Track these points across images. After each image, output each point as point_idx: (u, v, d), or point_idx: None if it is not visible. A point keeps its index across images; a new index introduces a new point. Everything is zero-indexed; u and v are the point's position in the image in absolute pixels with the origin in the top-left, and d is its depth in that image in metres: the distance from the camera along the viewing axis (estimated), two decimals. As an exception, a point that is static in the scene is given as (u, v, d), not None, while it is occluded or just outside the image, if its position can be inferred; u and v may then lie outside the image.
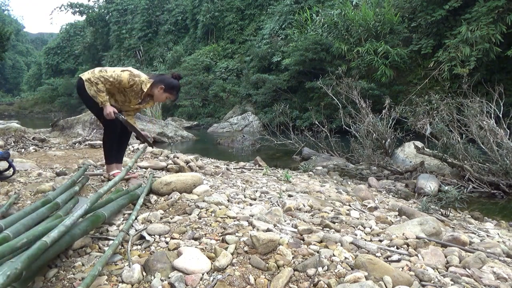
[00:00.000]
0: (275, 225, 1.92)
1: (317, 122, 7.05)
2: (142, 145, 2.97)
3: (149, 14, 26.42)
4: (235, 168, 4.43)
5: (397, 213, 2.78)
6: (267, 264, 1.44)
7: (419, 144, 5.04)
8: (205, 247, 1.57)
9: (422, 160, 4.79)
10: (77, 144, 5.65)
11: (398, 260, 1.61)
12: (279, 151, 7.15)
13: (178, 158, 3.81)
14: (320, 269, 1.43)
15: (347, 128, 6.31)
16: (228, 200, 2.37)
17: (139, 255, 1.53)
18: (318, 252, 1.58)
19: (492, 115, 4.65)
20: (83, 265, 1.45)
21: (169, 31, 25.35)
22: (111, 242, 1.61)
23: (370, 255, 1.51)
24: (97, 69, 2.68)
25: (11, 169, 2.73)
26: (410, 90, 10.62)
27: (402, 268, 1.53)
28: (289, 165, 5.59)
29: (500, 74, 9.28)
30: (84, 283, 1.17)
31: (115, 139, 2.88)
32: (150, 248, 1.60)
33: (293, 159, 6.48)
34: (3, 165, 2.78)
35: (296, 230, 1.88)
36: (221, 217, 1.94)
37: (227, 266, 1.41)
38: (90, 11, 32.60)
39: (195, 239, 1.67)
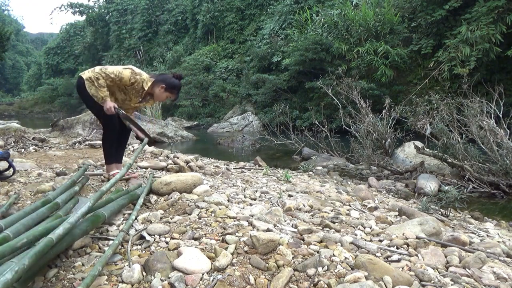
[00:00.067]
0: (275, 225, 1.92)
1: (317, 122, 7.05)
2: (144, 141, 2.97)
3: (149, 14, 26.43)
4: (235, 168, 4.43)
5: (397, 213, 2.78)
6: (267, 264, 1.44)
7: (419, 144, 5.04)
8: (205, 247, 1.57)
9: (422, 160, 4.79)
10: (77, 144, 5.65)
11: (398, 260, 1.61)
12: (279, 151, 7.15)
13: (178, 158, 3.82)
14: (320, 269, 1.43)
15: (347, 128, 6.31)
16: (228, 200, 2.37)
17: (139, 255, 1.53)
18: (318, 252, 1.58)
19: (492, 115, 4.65)
20: (83, 265, 1.45)
21: (169, 31, 25.35)
22: (111, 242, 1.61)
23: (370, 255, 1.51)
24: (97, 67, 2.68)
25: (11, 169, 2.73)
26: (410, 90, 10.62)
27: (402, 268, 1.53)
28: (289, 165, 5.59)
29: (500, 74, 9.28)
30: (84, 283, 1.17)
31: (115, 139, 2.88)
32: (150, 248, 1.60)
33: (293, 159, 6.48)
34: (3, 165, 2.78)
35: (296, 230, 1.88)
36: (221, 217, 1.94)
37: (227, 266, 1.41)
38: (90, 11, 32.61)
39: (195, 239, 1.67)
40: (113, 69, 2.63)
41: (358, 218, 2.37)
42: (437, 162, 4.91)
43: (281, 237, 1.66)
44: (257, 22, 19.42)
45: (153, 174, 2.84)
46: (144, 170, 3.37)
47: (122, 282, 1.32)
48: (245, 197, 2.54)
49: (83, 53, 34.10)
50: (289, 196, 2.78)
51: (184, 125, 13.97)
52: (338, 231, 1.97)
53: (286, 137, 7.35)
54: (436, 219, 2.39)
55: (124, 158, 3.26)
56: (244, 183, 3.16)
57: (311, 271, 1.40)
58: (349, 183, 4.46)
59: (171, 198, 2.27)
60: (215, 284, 1.30)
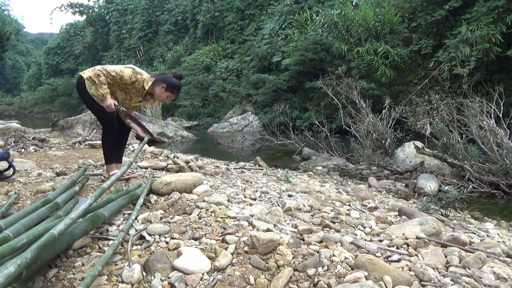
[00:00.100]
0: (275, 225, 1.92)
1: (317, 122, 7.05)
2: (145, 139, 2.96)
3: (149, 14, 26.43)
4: (235, 168, 4.43)
5: (397, 213, 2.78)
6: (267, 264, 1.44)
7: (419, 144, 5.04)
8: (205, 247, 1.57)
9: (422, 160, 4.79)
10: (77, 144, 5.65)
11: (398, 260, 1.61)
12: (279, 151, 7.15)
13: (178, 158, 3.82)
14: (320, 269, 1.43)
15: (347, 128, 6.31)
16: (228, 200, 2.37)
17: (139, 255, 1.53)
18: (318, 252, 1.58)
19: (492, 115, 4.65)
20: (83, 265, 1.45)
21: (169, 31, 25.36)
22: (111, 242, 1.61)
23: (370, 255, 1.51)
24: (98, 66, 2.68)
25: (11, 169, 2.73)
26: (410, 90, 10.63)
27: (402, 268, 1.53)
28: (289, 165, 5.59)
29: (500, 74, 9.28)
30: (84, 283, 1.18)
31: (114, 139, 2.88)
32: (150, 248, 1.60)
33: (293, 159, 6.48)
34: (3, 165, 2.78)
35: (296, 230, 1.88)
36: (221, 217, 1.94)
37: (227, 266, 1.41)
38: (90, 11, 32.62)
39: (195, 239, 1.67)
40: (114, 68, 2.64)
41: (358, 218, 2.37)
42: (437, 162, 4.92)
43: (281, 237, 1.66)
44: (257, 22, 19.42)
45: (153, 174, 2.84)
46: (144, 170, 3.37)
47: (122, 282, 1.32)
48: (245, 197, 2.54)
49: (83, 53, 34.10)
50: (289, 196, 2.78)
51: (184, 125, 13.98)
52: (338, 231, 1.97)
53: (286, 137, 7.35)
54: (436, 219, 2.39)
55: (124, 158, 3.26)
56: (244, 183, 3.16)
57: (311, 271, 1.40)
58: (349, 183, 4.46)
59: (171, 198, 2.27)
60: (215, 284, 1.30)
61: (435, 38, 10.65)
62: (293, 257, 1.52)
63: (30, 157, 4.09)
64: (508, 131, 4.44)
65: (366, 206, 2.89)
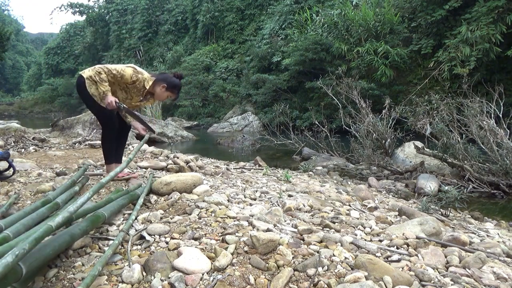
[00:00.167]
0: (275, 225, 1.92)
1: (317, 122, 7.05)
2: (146, 136, 2.96)
3: (149, 14, 26.44)
4: (235, 168, 4.43)
5: (397, 213, 2.78)
6: (267, 264, 1.44)
7: (419, 144, 5.04)
8: (205, 247, 1.57)
9: (422, 160, 4.79)
10: (77, 144, 5.65)
11: (398, 260, 1.61)
12: (279, 151, 7.15)
13: (178, 158, 3.81)
14: (320, 269, 1.43)
15: (347, 128, 6.31)
16: (228, 200, 2.37)
17: (139, 255, 1.53)
18: (318, 252, 1.58)
19: (492, 115, 4.65)
20: (83, 265, 1.45)
21: (169, 31, 25.36)
22: (111, 242, 1.61)
23: (370, 255, 1.51)
24: (98, 65, 2.68)
25: (11, 169, 2.73)
26: (410, 90, 10.63)
27: (402, 268, 1.53)
28: (289, 165, 5.59)
29: (500, 74, 9.28)
30: (84, 283, 1.18)
31: (114, 138, 2.88)
32: (150, 248, 1.60)
33: (293, 159, 6.48)
34: (3, 165, 2.78)
35: (296, 230, 1.88)
36: (221, 217, 1.94)
37: (227, 266, 1.41)
38: (90, 11, 32.63)
39: (195, 239, 1.67)
40: (115, 66, 2.64)
41: (358, 218, 2.37)
42: (437, 162, 4.92)
43: (281, 237, 1.66)
44: (257, 22, 19.43)
45: (153, 174, 2.83)
46: (144, 170, 3.37)
47: (122, 282, 1.32)
48: (245, 197, 2.54)
49: (83, 53, 34.11)
50: (289, 196, 2.78)
51: (184, 125, 13.98)
52: (338, 231, 1.97)
53: (286, 137, 7.35)
54: (436, 219, 2.39)
55: (124, 158, 3.25)
56: (244, 183, 3.16)
57: (311, 271, 1.40)
58: (349, 183, 4.46)
59: (171, 198, 2.27)
60: (215, 284, 1.30)
61: (435, 38, 10.65)
62: (293, 257, 1.52)
63: (30, 157, 4.09)
64: (508, 131, 4.45)
65: (366, 206, 2.89)
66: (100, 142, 3.67)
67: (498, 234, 2.62)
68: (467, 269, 1.60)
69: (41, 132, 7.13)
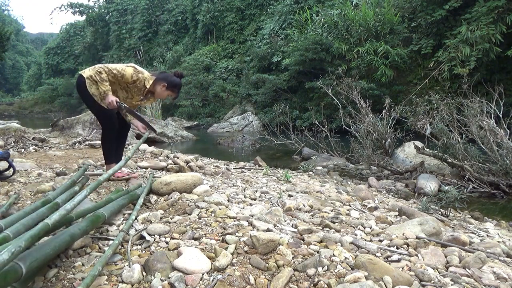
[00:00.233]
0: (275, 225, 1.92)
1: (317, 122, 7.05)
2: (146, 134, 2.96)
3: (149, 14, 26.43)
4: (235, 168, 4.43)
5: (397, 213, 2.78)
6: (267, 264, 1.44)
7: (419, 144, 5.04)
8: (205, 247, 1.57)
9: (422, 160, 4.79)
10: (77, 144, 5.65)
11: (398, 260, 1.61)
12: (279, 151, 7.15)
13: (178, 158, 3.82)
14: (320, 269, 1.43)
15: (347, 128, 6.31)
16: (228, 200, 2.37)
17: (139, 255, 1.53)
18: (318, 252, 1.58)
19: (492, 115, 4.65)
20: (83, 265, 1.45)
21: (169, 31, 25.36)
22: (111, 242, 1.61)
23: (370, 255, 1.51)
24: (98, 64, 2.68)
25: (11, 169, 2.73)
26: (410, 90, 10.63)
27: (402, 268, 1.53)
28: (289, 165, 5.59)
29: (500, 74, 9.28)
30: (84, 283, 1.17)
31: (114, 139, 2.88)
32: (150, 248, 1.60)
33: (293, 159, 6.48)
34: (3, 165, 2.78)
35: (296, 230, 1.88)
36: (221, 217, 1.94)
37: (227, 266, 1.41)
38: (90, 11, 32.62)
39: (195, 239, 1.67)
40: (115, 66, 2.64)
41: (358, 218, 2.37)
42: (437, 162, 4.92)
43: (281, 237, 1.66)
44: (257, 22, 19.42)
45: (153, 174, 2.83)
46: (144, 170, 3.37)
47: (122, 282, 1.32)
48: (245, 197, 2.54)
49: (83, 53, 34.11)
50: (289, 196, 2.78)
51: (184, 125, 13.98)
52: (338, 231, 1.97)
53: (286, 137, 7.35)
54: (436, 219, 2.39)
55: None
56: (244, 183, 3.16)
57: (311, 271, 1.40)
58: (349, 183, 4.46)
59: (171, 198, 2.27)
60: (215, 284, 1.30)
61: (435, 38, 10.65)
62: (293, 257, 1.52)
63: (30, 157, 4.09)
64: (508, 131, 4.45)
65: (366, 206, 2.89)
66: (100, 142, 3.68)
67: (498, 234, 2.62)
68: (467, 269, 1.60)
69: (41, 132, 7.13)
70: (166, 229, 1.75)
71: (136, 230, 1.75)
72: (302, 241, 1.73)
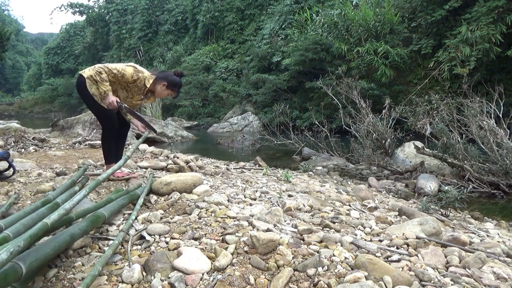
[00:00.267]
0: (275, 225, 1.92)
1: (317, 122, 7.05)
2: (145, 133, 2.96)
3: (149, 14, 26.43)
4: (235, 168, 4.43)
5: (397, 213, 2.78)
6: (267, 264, 1.44)
7: (419, 144, 5.04)
8: (205, 247, 1.57)
9: (422, 160, 4.79)
10: (77, 144, 5.65)
11: (398, 260, 1.61)
12: (279, 151, 7.15)
13: (178, 158, 3.82)
14: (320, 269, 1.43)
15: (347, 128, 6.31)
16: (228, 200, 2.37)
17: (139, 255, 1.53)
18: (318, 252, 1.58)
19: (492, 115, 4.65)
20: (83, 265, 1.45)
21: (169, 31, 25.36)
22: (111, 242, 1.61)
23: (370, 255, 1.51)
24: (98, 64, 2.68)
25: (11, 169, 2.73)
26: (410, 90, 10.63)
27: (402, 268, 1.53)
28: (289, 165, 5.59)
29: (500, 74, 9.28)
30: (84, 283, 1.17)
31: (114, 139, 2.88)
32: (150, 248, 1.60)
33: (293, 159, 6.48)
34: (3, 165, 2.78)
35: (296, 230, 1.88)
36: (221, 217, 1.94)
37: (227, 266, 1.41)
38: (90, 11, 32.62)
39: (195, 239, 1.67)
40: (115, 66, 2.64)
41: (358, 218, 2.37)
42: (437, 162, 4.91)
43: (281, 237, 1.66)
44: (257, 22, 19.42)
45: (153, 174, 2.83)
46: (144, 170, 3.37)
47: (122, 282, 1.32)
48: (245, 197, 2.54)
49: (83, 53, 34.11)
50: (289, 196, 2.78)
51: (184, 125, 13.98)
52: (338, 231, 1.97)
53: (286, 137, 7.35)
54: (436, 219, 2.39)
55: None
56: (244, 183, 3.16)
57: (311, 271, 1.40)
58: (349, 183, 4.46)
59: (171, 198, 2.27)
60: (215, 284, 1.30)
61: (435, 38, 10.65)
62: (293, 257, 1.52)
63: (30, 157, 4.09)
64: (508, 131, 4.44)
65: (366, 206, 2.89)
66: (100, 142, 3.68)
67: (498, 234, 2.62)
68: (467, 269, 1.60)
69: (41, 132, 7.13)
70: (166, 229, 1.75)
71: (136, 230, 1.75)
72: (302, 241, 1.73)
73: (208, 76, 17.88)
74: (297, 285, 1.33)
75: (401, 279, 1.37)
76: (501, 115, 4.74)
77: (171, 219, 1.93)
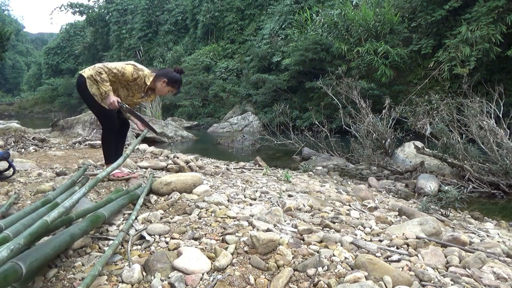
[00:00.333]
0: (275, 225, 1.92)
1: (317, 122, 7.05)
2: (144, 131, 2.95)
3: (149, 14, 26.43)
4: (235, 168, 4.43)
5: (397, 213, 2.78)
6: (267, 264, 1.44)
7: (419, 144, 5.04)
8: (205, 247, 1.57)
9: (422, 160, 4.79)
10: (77, 144, 5.65)
11: (398, 260, 1.61)
12: (279, 151, 7.15)
13: (178, 158, 3.82)
14: (320, 269, 1.43)
15: (347, 128, 6.31)
16: (228, 200, 2.37)
17: (139, 255, 1.53)
18: (318, 252, 1.58)
19: (492, 115, 4.65)
20: (83, 265, 1.45)
21: (169, 31, 25.36)
22: (111, 242, 1.61)
23: (370, 255, 1.51)
24: (98, 64, 2.68)
25: (11, 169, 2.73)
26: (410, 90, 10.63)
27: (402, 268, 1.53)
28: (289, 165, 5.59)
29: (500, 74, 9.28)
30: (84, 283, 1.17)
31: (114, 138, 2.88)
32: (150, 248, 1.60)
33: (293, 159, 6.48)
34: (3, 165, 2.78)
35: (296, 230, 1.88)
36: (221, 217, 1.94)
37: (227, 266, 1.41)
38: (90, 11, 32.62)
39: (195, 239, 1.67)
40: (115, 65, 2.64)
41: (358, 218, 2.37)
42: (437, 162, 4.91)
43: (281, 237, 1.66)
44: (257, 22, 19.42)
45: (153, 174, 2.83)
46: (144, 170, 3.37)
47: (122, 282, 1.32)
48: (245, 197, 2.54)
49: (83, 53, 34.11)
50: (289, 196, 2.78)
51: (184, 125, 13.98)
52: (338, 231, 1.97)
53: (286, 137, 7.35)
54: (436, 219, 2.39)
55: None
56: (244, 183, 3.16)
57: (311, 271, 1.40)
58: (349, 183, 4.46)
59: (171, 198, 2.27)
60: (215, 284, 1.30)
61: (435, 38, 10.65)
62: (293, 257, 1.52)
63: (30, 157, 4.09)
64: (508, 131, 4.45)
65: (366, 206, 2.89)
66: (100, 142, 3.69)
67: (498, 234, 2.62)
68: (467, 269, 1.60)
69: (41, 132, 7.13)
70: (166, 229, 1.75)
71: (136, 230, 1.75)
72: (302, 241, 1.73)
73: (208, 76, 17.88)
74: (297, 285, 1.33)
75: (401, 279, 1.37)
76: (501, 115, 4.74)
77: (171, 219, 1.93)
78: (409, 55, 11.03)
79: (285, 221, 2.05)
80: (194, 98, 16.64)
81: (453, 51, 9.37)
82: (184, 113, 16.55)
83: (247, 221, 1.91)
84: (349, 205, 2.80)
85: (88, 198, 2.27)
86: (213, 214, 1.99)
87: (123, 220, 1.94)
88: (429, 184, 3.95)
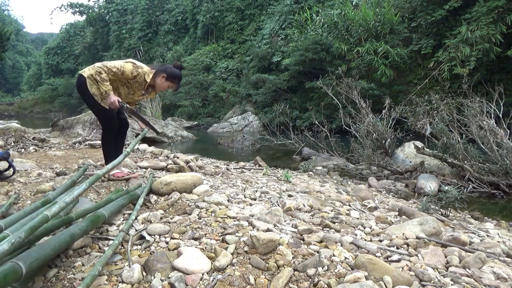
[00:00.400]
0: (275, 225, 1.92)
1: (317, 122, 7.05)
2: (144, 130, 2.96)
3: (149, 14, 26.43)
4: (235, 168, 4.43)
5: (397, 213, 2.78)
6: (267, 264, 1.44)
7: (419, 144, 5.04)
8: (205, 247, 1.57)
9: (422, 160, 4.79)
10: (77, 144, 5.65)
11: (398, 260, 1.61)
12: (279, 151, 7.15)
13: (178, 158, 3.82)
14: (320, 269, 1.43)
15: (347, 128, 6.31)
16: (228, 200, 2.37)
17: (139, 255, 1.53)
18: (318, 252, 1.58)
19: (492, 115, 4.65)
20: (83, 265, 1.45)
21: (169, 31, 25.36)
22: (111, 242, 1.61)
23: (370, 255, 1.51)
24: (98, 63, 2.68)
25: (11, 169, 2.73)
26: (410, 90, 10.63)
27: (402, 268, 1.53)
28: (289, 165, 5.59)
29: (500, 74, 9.28)
30: (84, 283, 1.17)
31: (113, 138, 2.88)
32: (150, 248, 1.60)
33: (293, 159, 6.48)
34: (3, 165, 2.78)
35: (296, 230, 1.88)
36: (221, 217, 1.94)
37: (227, 266, 1.41)
38: (90, 11, 32.63)
39: (195, 239, 1.67)
40: (114, 64, 2.64)
41: (358, 218, 2.37)
42: (437, 162, 4.91)
43: (281, 237, 1.66)
44: (257, 22, 19.42)
45: (153, 174, 2.84)
46: (144, 170, 3.37)
47: (122, 282, 1.32)
48: (245, 197, 2.54)
49: (83, 53, 34.11)
50: (289, 196, 2.78)
51: (184, 125, 13.97)
52: (338, 231, 1.97)
53: (286, 137, 7.35)
54: (436, 219, 2.39)
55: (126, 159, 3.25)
56: (244, 183, 3.16)
57: (311, 271, 1.40)
58: (349, 183, 4.46)
59: (171, 198, 2.27)
60: (215, 284, 1.30)
61: (435, 38, 10.64)
62: (293, 257, 1.52)
63: (30, 157, 4.09)
64: (508, 131, 4.45)
65: (366, 206, 2.89)
66: (100, 142, 3.68)
67: (498, 234, 2.62)
68: (467, 269, 1.60)
69: (41, 132, 7.13)
70: (166, 229, 1.75)
71: (136, 230, 1.75)
72: (302, 241, 1.73)
73: (208, 76, 17.89)
74: (297, 285, 1.33)
75: (401, 279, 1.37)
76: (501, 115, 4.74)
77: (171, 219, 1.93)
78: (409, 55, 11.03)
79: (285, 221, 2.05)
80: (194, 98, 16.64)
81: (453, 51, 9.37)
82: (184, 113, 16.55)
83: (247, 221, 1.91)
84: (349, 205, 2.80)
85: (88, 198, 2.27)
86: (213, 214, 1.99)
87: (123, 220, 1.94)
88: (429, 184, 3.95)
